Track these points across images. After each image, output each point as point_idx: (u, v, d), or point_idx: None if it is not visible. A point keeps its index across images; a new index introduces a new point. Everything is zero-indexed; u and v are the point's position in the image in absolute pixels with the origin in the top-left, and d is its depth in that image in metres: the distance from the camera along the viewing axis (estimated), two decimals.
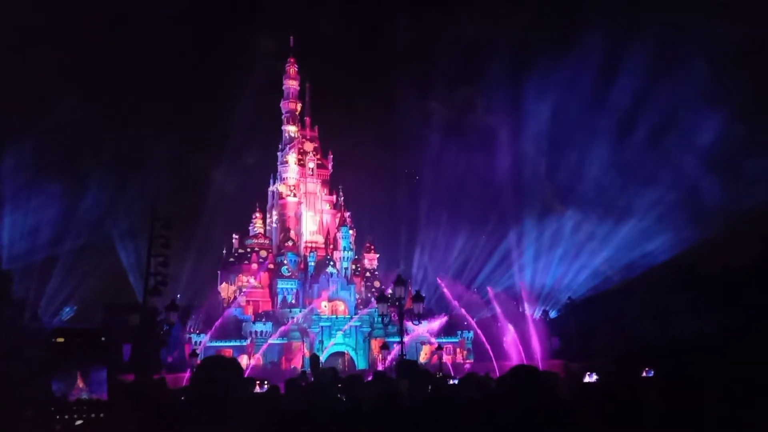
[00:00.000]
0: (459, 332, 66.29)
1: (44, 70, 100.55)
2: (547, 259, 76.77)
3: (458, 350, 65.24)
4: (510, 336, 60.32)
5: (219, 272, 71.64)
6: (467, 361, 61.99)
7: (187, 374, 42.70)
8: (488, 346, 61.16)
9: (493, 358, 56.81)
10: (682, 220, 64.96)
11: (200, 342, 57.56)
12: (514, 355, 56.81)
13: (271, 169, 78.77)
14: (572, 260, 72.61)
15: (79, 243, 70.41)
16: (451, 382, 21.50)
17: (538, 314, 71.64)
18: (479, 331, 63.08)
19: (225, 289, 68.21)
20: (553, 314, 69.12)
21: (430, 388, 11.54)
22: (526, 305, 70.16)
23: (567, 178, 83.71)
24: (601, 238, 71.41)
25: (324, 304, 66.37)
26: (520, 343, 59.13)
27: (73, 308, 60.73)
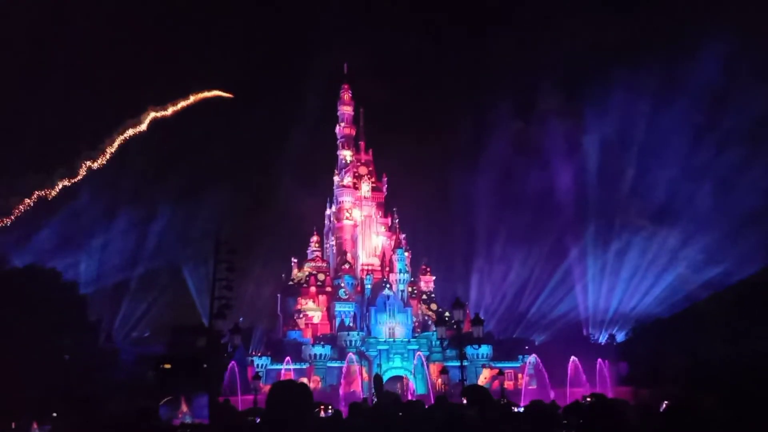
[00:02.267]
0: (520, 356, 64.39)
1: (111, 104, 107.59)
2: (611, 281, 73.76)
3: (520, 375, 63.30)
4: (572, 363, 57.93)
5: (279, 295, 73.16)
6: (530, 387, 59.97)
7: (250, 397, 43.60)
8: (549, 373, 58.92)
9: (560, 385, 54.59)
10: (757, 234, 60.64)
11: (262, 365, 58.68)
12: (580, 382, 54.42)
13: (327, 193, 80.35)
14: (639, 281, 69.43)
15: (149, 268, 74.12)
16: (516, 409, 20.83)
17: (603, 338, 68.70)
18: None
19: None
20: (619, 338, 66.09)
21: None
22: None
23: (633, 195, 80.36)
24: (671, 257, 68.03)
25: (382, 320, 66.01)
26: (584, 370, 56.66)
27: (147, 330, 63.87)
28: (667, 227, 72.30)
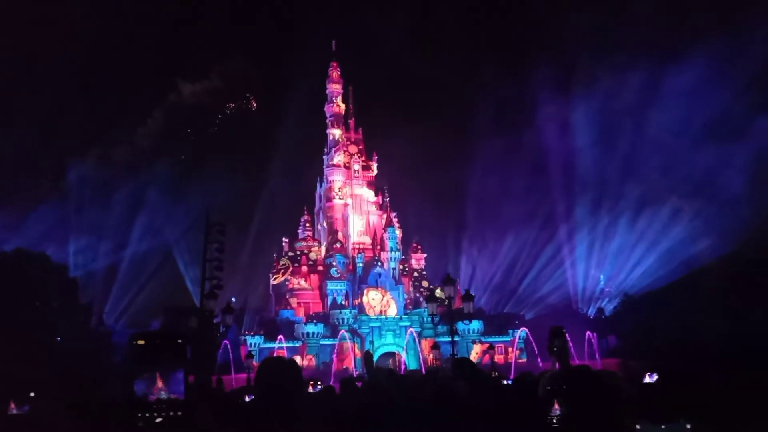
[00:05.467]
0: (511, 331, 65.24)
1: (102, 85, 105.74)
2: (600, 255, 74.47)
3: (510, 349, 64.23)
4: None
5: (271, 275, 73.31)
6: (520, 360, 60.89)
7: (243, 375, 43.97)
8: (538, 346, 59.81)
9: (550, 358, 55.41)
10: (756, 203, 59.58)
11: (255, 344, 59.08)
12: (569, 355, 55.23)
13: (317, 173, 80.00)
14: (629, 254, 70.10)
15: (139, 250, 73.88)
16: (505, 382, 21.24)
17: (592, 312, 69.65)
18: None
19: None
20: (608, 311, 67.04)
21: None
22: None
23: (622, 164, 79.82)
24: (661, 230, 68.30)
25: (373, 295, 66.31)
26: (573, 343, 57.49)
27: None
28: (660, 199, 72.33)
